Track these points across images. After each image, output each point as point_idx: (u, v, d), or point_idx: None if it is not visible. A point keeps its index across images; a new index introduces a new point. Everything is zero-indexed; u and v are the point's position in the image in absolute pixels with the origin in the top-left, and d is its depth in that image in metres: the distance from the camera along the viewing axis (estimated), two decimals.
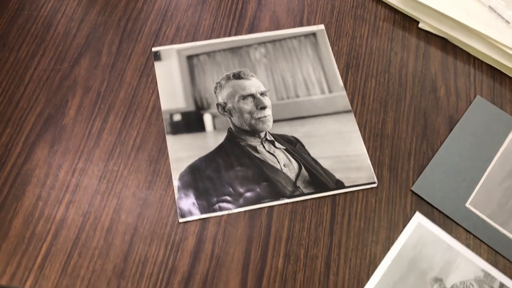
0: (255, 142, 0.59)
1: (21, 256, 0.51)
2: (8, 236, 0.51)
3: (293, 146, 0.59)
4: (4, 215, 0.52)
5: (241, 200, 0.55)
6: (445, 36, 0.68)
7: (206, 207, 0.55)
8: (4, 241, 0.51)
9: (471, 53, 0.67)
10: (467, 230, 0.56)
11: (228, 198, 0.55)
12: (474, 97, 0.64)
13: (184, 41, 0.64)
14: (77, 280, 0.50)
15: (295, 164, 0.58)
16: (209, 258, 0.52)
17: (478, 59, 0.67)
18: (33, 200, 0.53)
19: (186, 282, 0.51)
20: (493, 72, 0.66)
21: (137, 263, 0.51)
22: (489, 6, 0.65)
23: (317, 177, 0.57)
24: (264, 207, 0.56)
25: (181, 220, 0.54)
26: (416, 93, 0.64)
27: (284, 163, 0.58)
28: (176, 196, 0.55)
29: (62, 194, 0.54)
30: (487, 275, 0.53)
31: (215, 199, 0.55)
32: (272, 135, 0.60)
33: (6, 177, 0.54)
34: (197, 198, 0.55)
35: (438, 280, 0.53)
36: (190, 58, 0.63)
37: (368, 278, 0.53)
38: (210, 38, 0.65)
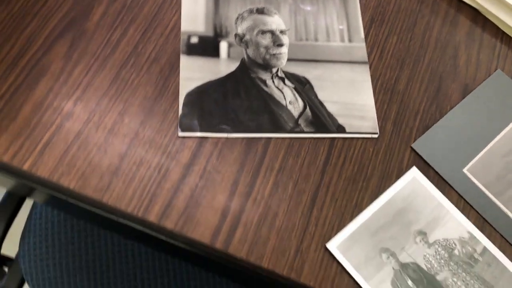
0: (265, 76, 0.60)
1: (25, 139, 0.53)
2: (16, 119, 0.54)
3: (302, 86, 0.60)
4: (16, 100, 0.55)
5: (241, 127, 0.56)
6: (477, 7, 0.66)
7: (206, 127, 0.56)
8: (11, 123, 0.54)
9: (501, 27, 0.65)
10: (459, 194, 0.55)
11: (230, 122, 0.56)
12: (495, 71, 0.63)
13: None
14: (73, 169, 0.52)
15: (300, 103, 0.59)
16: (201, 173, 0.54)
17: (507, 35, 0.65)
18: (45, 92, 0.56)
19: (175, 191, 0.52)
20: None
21: (131, 165, 0.53)
22: None
23: (320, 119, 0.58)
24: (262, 137, 0.56)
25: (180, 134, 0.55)
26: (435, 57, 0.63)
27: (290, 100, 0.59)
28: (180, 112, 0.56)
29: (73, 90, 0.56)
30: (472, 237, 0.53)
31: (216, 121, 0.56)
32: (284, 72, 0.60)
33: (24, 66, 0.56)
34: (199, 117, 0.56)
35: (422, 233, 0.53)
36: None
37: (351, 220, 0.53)
38: None
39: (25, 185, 0.55)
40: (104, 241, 0.80)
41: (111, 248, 0.79)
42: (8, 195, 0.79)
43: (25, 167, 0.52)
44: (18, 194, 0.79)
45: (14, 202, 0.78)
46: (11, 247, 0.85)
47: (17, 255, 0.81)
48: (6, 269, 0.84)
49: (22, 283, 0.81)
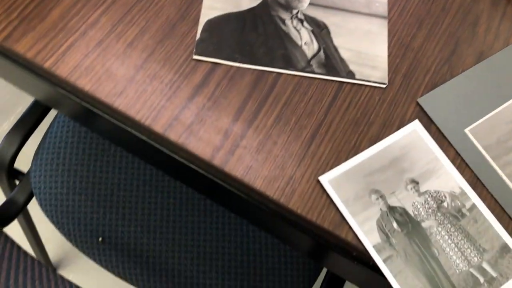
0: (285, 15, 0.61)
1: (49, 40, 0.56)
2: (44, 21, 0.57)
3: (320, 30, 0.61)
4: (47, 3, 0.58)
5: (254, 59, 0.58)
6: None
7: (221, 54, 0.58)
8: (39, 24, 0.57)
9: None
10: (457, 152, 0.56)
11: (244, 53, 0.58)
12: None
13: None
14: (90, 73, 0.55)
15: (315, 45, 0.60)
16: (209, 95, 0.56)
17: None
18: (74, 0, 0.58)
19: (182, 107, 0.55)
20: None
21: (145, 77, 0.56)
22: None
23: (332, 62, 0.59)
24: (273, 72, 0.58)
25: (195, 57, 0.57)
26: (455, 22, 0.64)
27: (306, 41, 0.60)
28: (198, 36, 0.58)
29: (100, 3, 0.59)
30: (463, 193, 0.54)
31: (231, 50, 0.58)
32: (304, 14, 0.62)
33: None
34: (215, 44, 0.58)
35: (414, 182, 0.54)
36: None
37: (346, 159, 0.55)
38: None
39: (46, 89, 0.58)
40: (112, 168, 0.83)
41: (117, 175, 0.83)
42: (31, 109, 0.83)
43: (46, 65, 0.55)
44: (40, 103, 0.82)
45: (35, 115, 0.82)
46: (26, 163, 0.89)
47: (29, 170, 0.85)
48: (17, 182, 0.88)
49: (30, 197, 0.85)
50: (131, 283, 0.81)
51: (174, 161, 0.56)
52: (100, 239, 0.80)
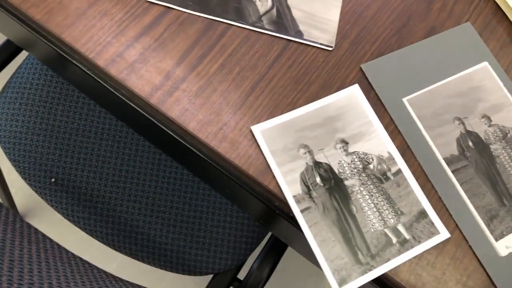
0: None
1: None
2: None
3: None
4: None
5: (207, 9, 0.59)
6: None
7: None
8: None
9: None
10: (392, 119, 0.58)
11: (197, 2, 0.60)
12: (465, 23, 0.64)
13: None
14: (42, 4, 0.56)
15: (269, 2, 0.61)
16: (157, 37, 0.57)
17: None
18: None
19: (128, 45, 0.56)
20: (496, 11, 0.66)
21: (96, 13, 0.57)
22: None
23: (283, 20, 0.61)
24: (224, 22, 0.59)
25: None
26: None
27: None
28: None
29: None
30: (390, 158, 0.56)
31: None
32: None
33: None
34: None
35: (344, 142, 0.56)
36: None
37: (281, 114, 0.56)
38: None
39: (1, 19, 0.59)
40: (73, 113, 0.84)
41: (77, 121, 0.84)
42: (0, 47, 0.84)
43: None
44: (11, 42, 0.84)
45: (4, 54, 0.83)
46: None
47: None
48: None
49: None
50: (78, 226, 0.83)
51: (116, 98, 0.57)
52: (52, 180, 0.82)
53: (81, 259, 0.61)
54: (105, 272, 0.61)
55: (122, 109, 0.59)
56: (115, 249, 0.83)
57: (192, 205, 0.82)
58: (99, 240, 0.83)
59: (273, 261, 0.82)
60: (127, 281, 0.64)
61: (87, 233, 0.83)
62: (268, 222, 0.60)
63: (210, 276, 0.84)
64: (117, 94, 0.56)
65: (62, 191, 0.82)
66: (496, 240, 0.54)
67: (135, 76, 0.55)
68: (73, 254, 0.61)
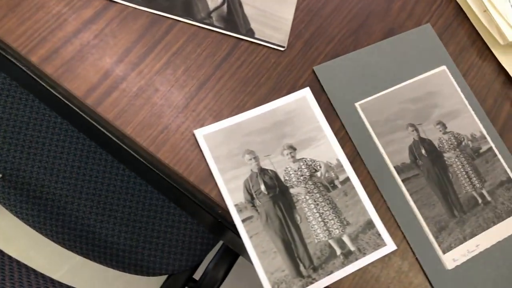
0: None
1: None
2: None
3: None
4: None
5: (153, 3, 0.56)
6: None
7: None
8: None
9: None
10: (342, 124, 0.55)
11: None
12: (425, 24, 0.62)
13: None
14: None
15: None
16: (97, 33, 0.54)
17: None
18: None
19: (65, 41, 0.53)
20: (457, 12, 0.64)
21: (32, 6, 0.53)
22: None
23: (234, 17, 0.58)
24: (170, 18, 0.56)
25: None
26: None
27: None
28: None
29: None
30: (339, 165, 0.54)
31: None
32: None
33: None
34: None
35: (292, 148, 0.53)
36: None
37: (227, 117, 0.53)
38: None
39: None
40: (24, 106, 0.80)
41: (28, 114, 0.80)
42: None
43: None
44: None
45: None
46: None
47: None
48: None
49: None
50: (27, 223, 0.80)
51: (53, 97, 0.54)
52: (0, 175, 0.79)
53: (21, 265, 0.59)
54: (43, 276, 0.59)
55: (62, 107, 0.56)
56: (66, 248, 0.80)
57: (145, 205, 0.79)
58: (49, 238, 0.80)
59: (229, 262, 0.80)
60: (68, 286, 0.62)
61: (37, 231, 0.80)
62: (214, 230, 0.58)
63: (166, 276, 0.82)
64: (54, 92, 0.53)
65: (10, 187, 0.79)
66: (444, 252, 0.52)
67: (71, 74, 0.52)
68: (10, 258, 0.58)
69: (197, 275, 0.83)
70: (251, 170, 0.52)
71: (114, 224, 0.78)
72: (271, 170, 0.52)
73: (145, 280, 1.22)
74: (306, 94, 0.56)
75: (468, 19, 0.63)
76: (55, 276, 1.14)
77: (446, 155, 0.56)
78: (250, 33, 0.57)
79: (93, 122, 0.53)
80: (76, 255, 0.81)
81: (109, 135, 0.52)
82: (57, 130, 0.80)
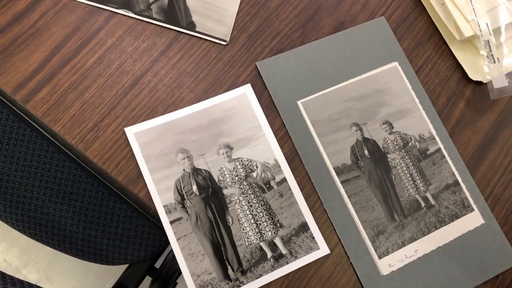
0: None
1: None
2: None
3: None
4: None
5: None
6: None
7: None
8: None
9: None
10: (283, 123, 0.54)
11: None
12: (379, 17, 0.59)
13: None
14: None
15: None
16: (30, 25, 0.52)
17: None
18: None
19: None
20: (415, 4, 0.61)
21: None
22: None
23: (175, 9, 0.55)
24: (107, 10, 0.54)
25: None
26: None
27: None
28: None
29: None
30: (276, 165, 0.52)
31: None
32: None
33: None
34: None
35: (228, 147, 0.52)
36: None
37: (162, 114, 0.52)
38: None
39: None
40: None
41: None
42: None
43: None
44: None
45: None
46: None
47: None
48: None
49: None
50: None
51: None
52: None
53: None
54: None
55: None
56: (27, 235, 0.80)
57: (105, 194, 0.79)
58: (10, 226, 0.80)
59: None
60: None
61: None
62: (156, 228, 0.57)
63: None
64: None
65: None
66: (380, 257, 0.51)
67: (0, 69, 0.50)
68: None
69: (158, 264, 0.83)
70: (184, 169, 0.51)
71: (74, 213, 0.78)
72: (205, 170, 0.51)
73: (116, 273, 1.23)
74: (246, 91, 0.54)
75: (427, 12, 0.60)
76: (26, 269, 1.15)
77: (390, 156, 0.54)
78: (191, 26, 0.55)
79: (27, 118, 0.52)
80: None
81: (43, 131, 0.52)
82: (17, 118, 0.79)
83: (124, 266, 0.83)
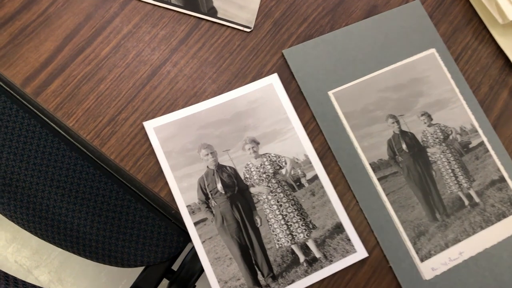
0: None
1: None
2: None
3: None
4: None
5: None
6: None
7: None
8: None
9: None
10: (313, 116, 0.50)
11: None
12: (414, 0, 0.55)
13: None
14: None
15: None
16: (39, 13, 0.49)
17: None
18: None
19: (4, 22, 0.48)
20: None
21: None
22: None
23: None
24: None
25: None
26: None
27: None
28: None
29: None
30: (307, 161, 0.48)
31: None
32: None
33: None
34: None
35: (255, 142, 0.48)
36: None
37: (183, 107, 0.48)
38: None
39: None
40: None
41: None
42: None
43: None
44: None
45: None
46: None
47: None
48: None
49: None
50: None
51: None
52: None
53: None
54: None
55: (8, 93, 0.52)
56: (39, 237, 0.77)
57: (119, 194, 0.75)
58: (22, 227, 0.77)
59: None
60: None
61: (8, 219, 0.77)
62: (176, 229, 0.54)
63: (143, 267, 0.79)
64: None
65: None
66: (422, 260, 0.47)
67: (7, 61, 0.47)
68: None
69: (176, 266, 0.80)
70: (207, 166, 0.47)
71: (87, 214, 0.75)
72: (229, 167, 0.47)
73: (129, 274, 1.19)
74: (273, 81, 0.50)
75: None
76: (38, 270, 1.12)
77: (430, 150, 0.50)
78: (212, 12, 0.51)
79: (37, 112, 0.48)
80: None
81: (54, 126, 0.48)
82: (27, 114, 0.76)
83: (140, 268, 0.80)
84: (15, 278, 0.59)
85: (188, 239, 0.77)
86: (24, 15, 0.48)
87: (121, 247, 0.74)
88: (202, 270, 0.77)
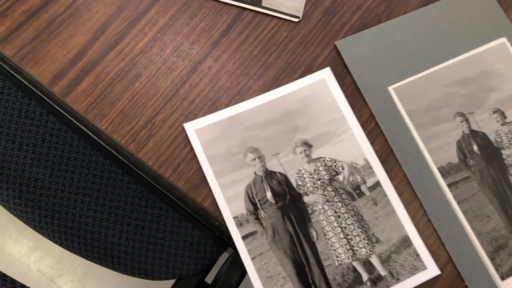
0: None
1: None
2: None
3: None
4: None
5: None
6: None
7: None
8: None
9: None
10: (372, 114, 0.44)
11: None
12: None
13: None
14: None
15: None
16: (68, 5, 0.44)
17: None
18: None
19: (28, 16, 0.43)
20: None
21: None
22: None
23: None
24: None
25: None
26: None
27: None
28: None
29: None
30: (367, 166, 0.43)
31: None
32: None
33: None
34: None
35: (307, 145, 0.43)
36: None
37: (226, 107, 0.43)
38: None
39: None
40: (15, 91, 0.73)
41: (20, 100, 0.72)
42: None
43: None
44: None
45: None
46: None
47: None
48: None
49: None
50: (22, 220, 0.73)
51: (19, 82, 0.45)
52: None
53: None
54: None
55: (33, 94, 0.47)
56: (64, 248, 0.73)
57: (149, 201, 0.70)
58: (46, 237, 0.73)
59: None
60: None
61: (32, 228, 0.73)
62: (215, 242, 0.49)
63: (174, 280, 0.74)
64: (19, 78, 0.44)
65: (2, 181, 0.71)
66: (503, 279, 0.41)
67: (34, 57, 0.42)
68: None
69: (209, 279, 0.75)
70: (255, 173, 0.42)
71: (115, 223, 0.70)
72: (279, 173, 0.42)
73: (156, 284, 1.15)
74: (325, 76, 0.45)
75: None
76: (61, 279, 1.08)
77: (505, 152, 0.44)
78: (256, 1, 0.46)
79: (66, 114, 0.44)
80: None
81: (85, 129, 0.43)
82: (51, 118, 0.72)
83: (171, 281, 0.75)
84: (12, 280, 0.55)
85: (222, 249, 0.72)
86: (51, 7, 0.44)
87: (151, 258, 0.70)
88: (239, 283, 0.71)
